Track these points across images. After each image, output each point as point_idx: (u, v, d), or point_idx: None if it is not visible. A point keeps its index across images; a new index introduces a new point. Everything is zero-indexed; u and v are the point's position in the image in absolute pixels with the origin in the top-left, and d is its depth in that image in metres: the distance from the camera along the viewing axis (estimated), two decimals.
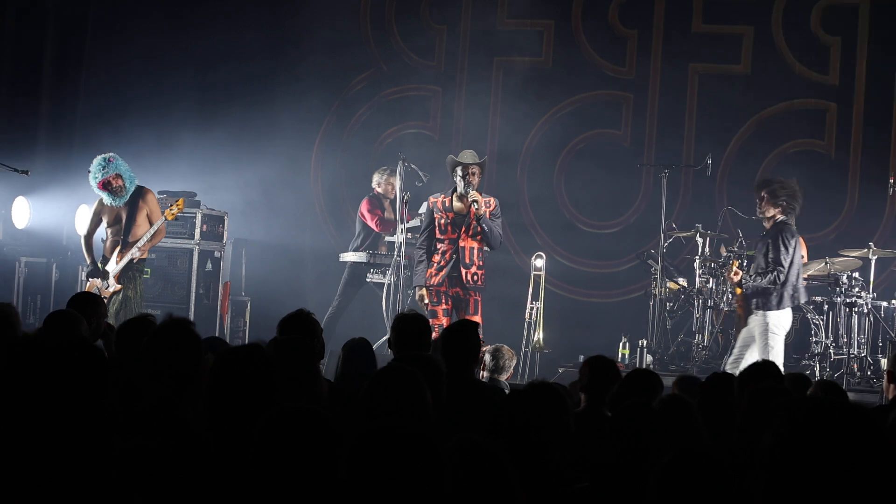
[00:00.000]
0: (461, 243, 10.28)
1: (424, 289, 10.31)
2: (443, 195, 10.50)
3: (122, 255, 10.57)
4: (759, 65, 13.48)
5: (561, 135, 13.97)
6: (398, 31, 14.42)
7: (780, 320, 10.03)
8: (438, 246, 10.35)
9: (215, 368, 4.21)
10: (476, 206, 10.16)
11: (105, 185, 10.56)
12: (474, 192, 10.23)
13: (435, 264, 10.31)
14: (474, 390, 5.96)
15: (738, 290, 10.44)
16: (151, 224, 10.62)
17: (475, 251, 10.32)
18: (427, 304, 10.23)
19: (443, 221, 10.35)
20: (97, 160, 10.58)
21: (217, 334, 12.32)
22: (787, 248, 10.07)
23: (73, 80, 13.98)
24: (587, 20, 13.96)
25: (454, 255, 10.28)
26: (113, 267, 10.57)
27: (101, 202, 10.77)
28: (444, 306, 10.28)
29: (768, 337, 10.07)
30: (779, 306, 10.08)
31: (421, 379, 4.46)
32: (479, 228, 10.21)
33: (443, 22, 14.33)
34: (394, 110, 14.41)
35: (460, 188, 10.35)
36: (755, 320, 10.09)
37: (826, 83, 13.36)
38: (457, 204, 10.39)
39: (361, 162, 13.88)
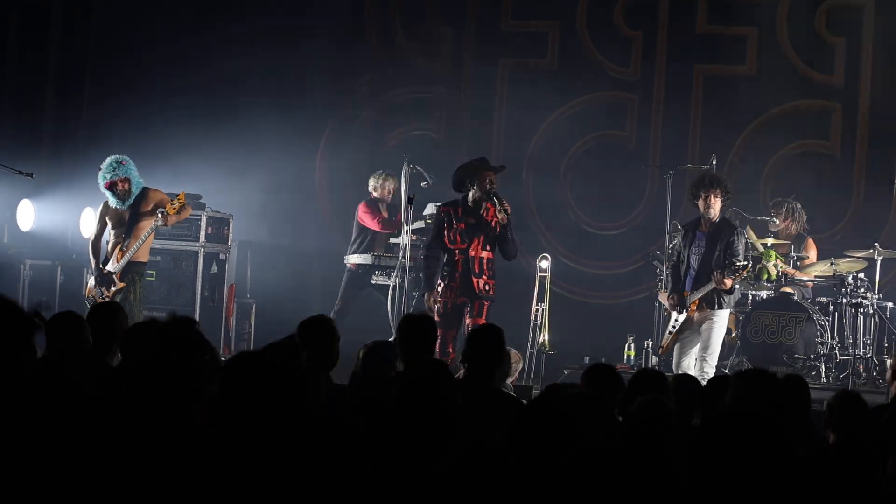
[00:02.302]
0: (471, 253, 10.22)
1: (436, 294, 10.25)
2: (455, 204, 10.42)
3: (123, 252, 10.57)
4: (764, 65, 13.46)
5: (566, 136, 13.96)
6: (403, 33, 14.41)
7: None
8: (448, 256, 10.28)
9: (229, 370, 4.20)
10: (506, 215, 10.07)
11: (111, 187, 10.58)
12: (505, 204, 10.12)
13: (447, 275, 10.26)
14: (496, 397, 5.93)
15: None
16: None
17: (484, 261, 10.23)
18: (437, 310, 10.17)
19: (452, 232, 10.28)
20: (110, 160, 10.58)
21: (222, 337, 12.35)
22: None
23: (78, 83, 13.99)
24: (592, 21, 13.95)
25: (465, 265, 10.22)
26: (115, 265, 10.58)
27: (105, 205, 10.77)
28: (448, 317, 10.23)
29: (721, 333, 10.20)
30: (732, 302, 10.28)
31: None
32: (505, 236, 10.11)
33: (447, 24, 14.33)
34: (398, 112, 14.40)
35: (475, 195, 10.21)
36: (717, 317, 10.12)
37: (831, 84, 13.34)
38: (473, 212, 10.26)
39: (367, 163, 13.85)
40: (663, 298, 10.98)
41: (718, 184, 10.27)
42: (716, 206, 10.18)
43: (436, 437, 4.10)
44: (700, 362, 10.07)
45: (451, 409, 4.24)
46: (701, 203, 10.20)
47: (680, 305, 10.21)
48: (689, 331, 10.24)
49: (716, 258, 10.15)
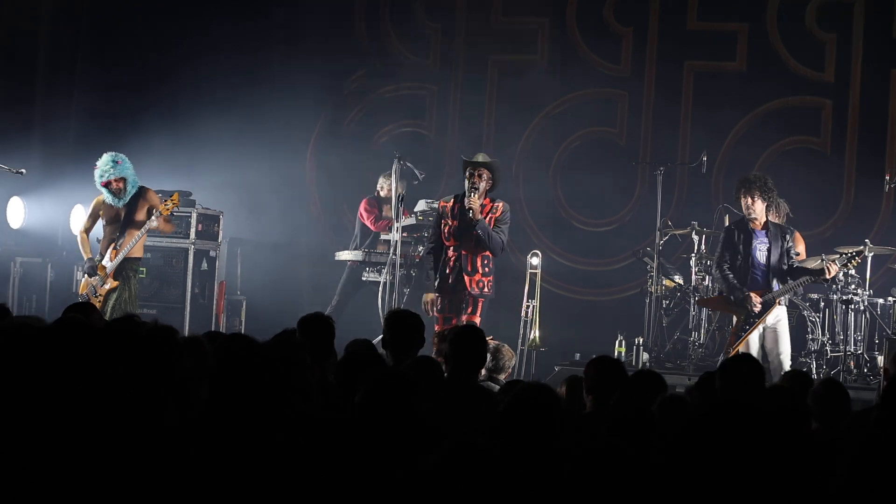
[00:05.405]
0: (463, 251, 10.20)
1: (433, 294, 10.23)
2: (452, 200, 10.40)
3: (117, 251, 10.53)
4: (755, 62, 13.47)
5: (556, 133, 13.96)
6: (393, 30, 14.40)
7: None
8: (447, 253, 10.26)
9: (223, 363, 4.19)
10: (471, 214, 10.04)
11: (107, 185, 10.54)
12: (474, 198, 10.09)
13: (441, 272, 10.23)
14: (478, 395, 5.95)
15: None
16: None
17: (478, 258, 10.21)
18: (433, 312, 10.16)
19: (447, 228, 10.26)
20: (107, 157, 10.52)
21: None
22: None
23: (68, 80, 13.96)
24: (582, 18, 13.95)
25: (458, 263, 10.20)
26: (108, 263, 10.54)
27: (101, 199, 10.71)
28: (445, 314, 10.22)
29: (787, 326, 10.32)
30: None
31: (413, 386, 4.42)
32: (474, 234, 10.09)
33: (437, 20, 14.32)
34: (389, 108, 14.39)
35: (466, 189, 10.24)
36: (783, 312, 10.25)
37: (821, 80, 13.35)
38: (463, 210, 10.25)
39: (357, 160, 13.87)
40: (713, 304, 11.01)
41: (753, 184, 10.32)
42: (756, 207, 10.23)
43: (410, 436, 4.10)
44: (778, 357, 10.09)
45: (423, 407, 4.25)
46: (743, 203, 10.32)
47: (766, 303, 10.18)
48: (763, 327, 10.21)
49: (779, 257, 10.23)
